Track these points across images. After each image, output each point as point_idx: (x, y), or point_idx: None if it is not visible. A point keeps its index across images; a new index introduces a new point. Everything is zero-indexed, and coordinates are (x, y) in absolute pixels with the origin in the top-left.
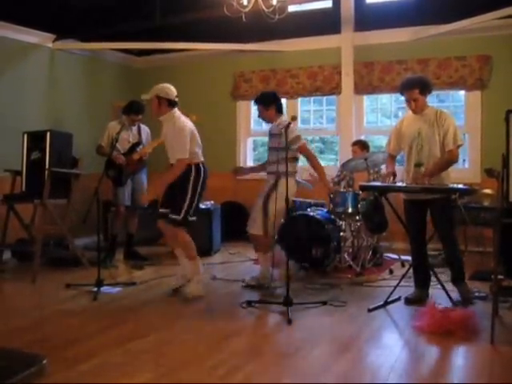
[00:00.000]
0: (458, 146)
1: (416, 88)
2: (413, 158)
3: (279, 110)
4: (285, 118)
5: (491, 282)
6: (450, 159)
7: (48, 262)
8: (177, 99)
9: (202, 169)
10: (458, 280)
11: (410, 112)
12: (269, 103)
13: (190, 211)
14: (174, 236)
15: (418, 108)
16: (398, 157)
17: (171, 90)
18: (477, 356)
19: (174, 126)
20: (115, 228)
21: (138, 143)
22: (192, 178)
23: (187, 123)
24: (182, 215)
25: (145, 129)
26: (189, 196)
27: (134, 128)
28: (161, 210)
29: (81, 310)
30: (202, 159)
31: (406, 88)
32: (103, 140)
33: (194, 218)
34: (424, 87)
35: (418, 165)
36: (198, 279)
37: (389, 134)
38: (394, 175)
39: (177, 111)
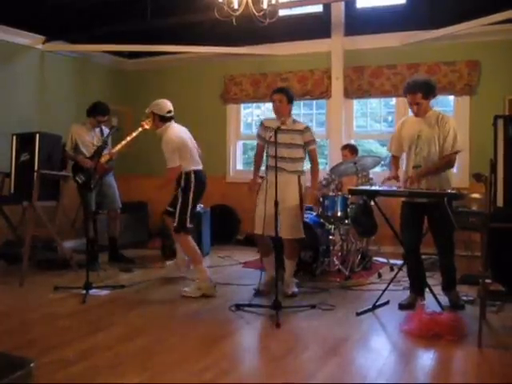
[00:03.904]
0: (456, 152)
1: (419, 92)
2: (411, 159)
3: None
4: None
5: (479, 286)
6: (445, 164)
7: (36, 265)
8: (169, 114)
9: (193, 177)
10: (449, 287)
11: (412, 114)
12: (292, 100)
13: (185, 218)
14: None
15: (420, 112)
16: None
17: (163, 106)
18: (464, 360)
19: (162, 139)
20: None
21: (105, 146)
22: (181, 187)
23: (176, 136)
24: (177, 221)
25: (107, 131)
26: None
27: (97, 130)
28: (168, 208)
29: (69, 313)
30: (195, 168)
31: (409, 91)
32: (67, 144)
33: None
34: (428, 92)
35: (417, 167)
36: (199, 285)
37: (378, 138)
38: (397, 179)
39: (170, 125)
